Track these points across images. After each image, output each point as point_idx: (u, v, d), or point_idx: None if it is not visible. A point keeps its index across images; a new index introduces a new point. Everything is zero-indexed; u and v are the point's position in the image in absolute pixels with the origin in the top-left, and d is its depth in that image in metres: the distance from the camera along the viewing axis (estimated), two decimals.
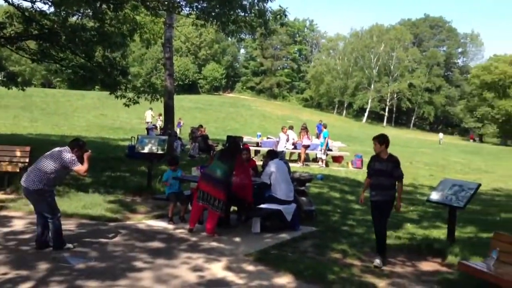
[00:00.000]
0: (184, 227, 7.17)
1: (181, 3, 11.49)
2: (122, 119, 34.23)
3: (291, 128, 18.95)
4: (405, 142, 42.22)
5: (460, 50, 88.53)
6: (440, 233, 7.67)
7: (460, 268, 5.23)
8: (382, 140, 6.07)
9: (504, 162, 29.11)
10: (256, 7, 10.53)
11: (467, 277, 5.24)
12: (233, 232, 7.14)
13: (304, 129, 18.11)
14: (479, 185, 6.98)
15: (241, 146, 8.63)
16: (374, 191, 6.11)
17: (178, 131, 23.19)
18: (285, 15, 11.18)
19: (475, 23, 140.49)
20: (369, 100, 73.51)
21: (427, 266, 6.14)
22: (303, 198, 8.41)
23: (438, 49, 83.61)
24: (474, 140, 67.57)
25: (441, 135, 52.98)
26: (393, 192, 6.06)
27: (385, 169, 5.96)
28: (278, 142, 18.16)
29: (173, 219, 7.46)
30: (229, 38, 13.35)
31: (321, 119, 30.47)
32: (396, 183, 6.03)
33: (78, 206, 7.84)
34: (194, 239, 6.66)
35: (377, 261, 5.84)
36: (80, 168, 5.59)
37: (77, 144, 5.80)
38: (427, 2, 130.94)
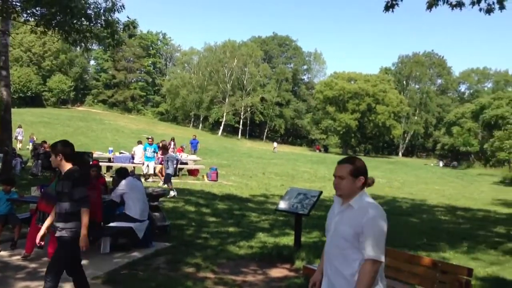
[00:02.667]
0: (20, 253, 6.47)
1: (17, 8, 10.46)
2: None
3: (139, 143, 18.58)
4: (259, 153, 44.06)
5: (305, 67, 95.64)
6: (289, 239, 8.05)
7: (305, 271, 5.52)
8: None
9: None
10: (103, 17, 10.05)
11: None
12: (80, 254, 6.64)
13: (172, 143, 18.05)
14: (321, 192, 7.50)
15: (90, 162, 8.11)
16: None
17: (30, 147, 21.48)
18: (134, 27, 10.89)
19: (318, 43, 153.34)
20: (224, 114, 75.28)
21: (277, 272, 6.37)
22: (156, 214, 8.21)
23: (286, 66, 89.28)
24: (320, 151, 73.17)
25: (275, 144, 58.18)
26: None
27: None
28: (133, 156, 17.64)
29: None
30: (76, 48, 12.53)
31: (195, 135, 30.65)
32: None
33: None
34: (33, 265, 6.04)
35: None
36: None
37: None
38: (275, 21, 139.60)
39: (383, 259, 2.64)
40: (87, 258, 6.44)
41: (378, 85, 70.30)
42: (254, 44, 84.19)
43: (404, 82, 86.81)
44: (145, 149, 17.15)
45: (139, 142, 18.59)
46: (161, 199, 8.87)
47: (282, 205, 7.57)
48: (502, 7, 7.84)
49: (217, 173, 18.47)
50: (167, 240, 7.73)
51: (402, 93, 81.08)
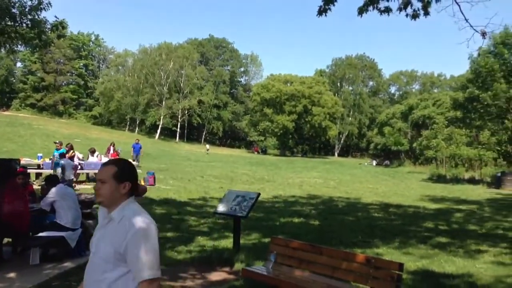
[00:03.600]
0: None
1: None
2: None
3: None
4: (197, 156, 43.72)
5: (242, 69, 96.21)
6: (228, 242, 8.03)
7: (244, 274, 5.52)
8: None
9: (283, 171, 32.43)
10: (29, 16, 9.55)
11: (251, 282, 5.55)
12: (7, 267, 6.27)
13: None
14: (259, 194, 7.54)
15: (17, 170, 7.69)
16: None
17: None
18: (63, 27, 10.44)
19: (255, 45, 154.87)
20: (161, 117, 74.09)
21: (216, 276, 6.33)
22: (90, 221, 7.91)
23: (223, 68, 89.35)
24: (258, 152, 73.80)
25: (207, 146, 58.96)
26: None
27: None
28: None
29: None
30: (0, 50, 11.78)
31: (138, 139, 29.52)
32: None
33: None
34: None
35: None
36: None
37: None
38: (211, 24, 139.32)
39: (159, 273, 2.20)
40: (14, 271, 6.10)
41: (314, 87, 71.95)
42: (191, 46, 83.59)
43: (338, 84, 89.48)
44: (53, 155, 16.40)
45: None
46: (94, 205, 8.55)
47: (221, 208, 7.54)
48: (426, 13, 8.24)
49: (154, 178, 18.14)
50: None
51: (336, 94, 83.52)
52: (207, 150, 56.10)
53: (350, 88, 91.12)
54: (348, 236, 9.36)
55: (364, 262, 4.62)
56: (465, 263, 7.37)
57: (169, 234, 8.86)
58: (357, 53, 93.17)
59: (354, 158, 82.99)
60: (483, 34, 7.94)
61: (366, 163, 60.20)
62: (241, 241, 7.90)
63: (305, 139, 78.69)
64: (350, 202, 16.13)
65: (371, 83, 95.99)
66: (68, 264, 6.54)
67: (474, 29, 7.80)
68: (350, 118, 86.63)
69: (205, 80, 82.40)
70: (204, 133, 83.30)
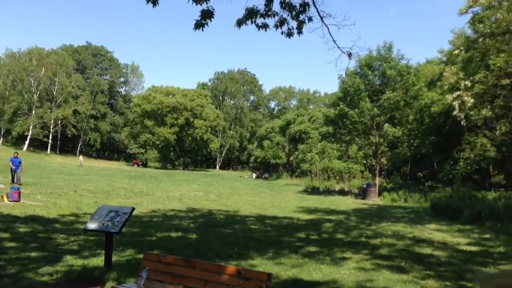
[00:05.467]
0: None
1: None
2: None
3: None
4: (71, 169, 41.20)
5: (122, 79, 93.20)
6: (100, 260, 7.66)
7: None
8: None
9: (163, 184, 31.88)
10: None
11: None
12: None
13: None
14: (133, 208, 7.32)
15: None
16: None
17: None
18: None
19: (135, 56, 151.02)
20: (30, 127, 68.66)
21: None
22: None
23: (101, 77, 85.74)
24: (139, 165, 71.79)
25: (81, 158, 56.97)
26: None
27: None
28: None
29: None
30: None
31: (16, 152, 26.38)
32: None
33: None
34: None
35: None
36: None
37: None
38: (89, 31, 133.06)
39: None
40: None
41: (196, 100, 72.16)
42: (65, 52, 79.03)
43: (220, 97, 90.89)
44: None
45: None
46: None
47: (92, 224, 7.17)
48: (300, 32, 8.68)
49: (19, 193, 16.66)
50: None
51: (218, 108, 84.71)
52: (81, 162, 53.18)
53: (232, 102, 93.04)
54: (225, 248, 9.48)
55: (235, 274, 4.71)
56: (331, 270, 7.87)
57: (33, 254, 8.20)
58: (239, 68, 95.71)
59: (235, 171, 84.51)
60: (349, 55, 8.58)
61: (246, 176, 61.66)
62: (114, 258, 7.60)
63: (187, 152, 78.43)
64: (229, 214, 16.35)
65: (252, 97, 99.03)
66: None
67: (341, 50, 8.40)
68: (231, 132, 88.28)
69: (82, 89, 78.29)
70: (79, 145, 78.85)
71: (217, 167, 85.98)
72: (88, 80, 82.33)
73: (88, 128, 78.34)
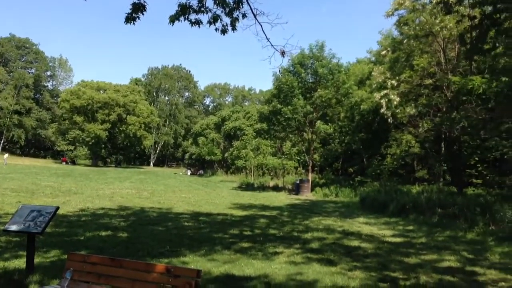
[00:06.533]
0: None
1: None
2: None
3: None
4: None
5: (49, 73, 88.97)
6: (21, 262, 7.28)
7: None
8: None
9: (93, 183, 30.78)
10: None
11: None
12: None
13: None
14: (57, 208, 7.01)
15: None
16: None
17: None
18: None
19: (64, 49, 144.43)
20: None
21: None
22: None
23: (26, 71, 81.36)
24: (67, 163, 68.91)
25: (6, 155, 53.31)
26: None
27: None
28: None
29: None
30: None
31: None
32: None
33: None
34: None
35: None
36: None
37: None
38: (12, 21, 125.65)
39: None
40: None
41: (129, 96, 70.34)
42: None
43: (154, 93, 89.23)
44: None
45: None
46: None
47: (12, 225, 6.78)
48: (234, 29, 8.69)
49: None
50: None
51: (152, 104, 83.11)
52: (5, 160, 50.02)
53: (166, 98, 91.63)
54: (156, 246, 9.31)
55: (164, 272, 4.63)
56: (262, 265, 7.96)
57: None
58: (173, 64, 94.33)
59: (170, 168, 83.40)
60: (282, 53, 8.69)
61: (181, 173, 61.00)
62: (38, 260, 7.27)
63: (119, 149, 76.33)
64: (162, 212, 16.08)
65: (187, 94, 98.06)
66: None
67: (275, 48, 8.50)
68: (166, 128, 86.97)
69: (4, 82, 73.91)
70: (2, 142, 74.45)
71: (151, 164, 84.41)
72: (11, 74, 77.80)
73: (12, 124, 74.09)
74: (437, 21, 20.71)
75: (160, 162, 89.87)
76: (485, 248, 10.47)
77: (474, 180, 24.36)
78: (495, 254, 9.67)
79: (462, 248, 10.40)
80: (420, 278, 7.38)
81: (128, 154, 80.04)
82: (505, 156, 21.78)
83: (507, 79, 14.82)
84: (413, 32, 22.29)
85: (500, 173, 23.80)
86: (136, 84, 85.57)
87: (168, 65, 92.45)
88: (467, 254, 9.73)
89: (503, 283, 7.22)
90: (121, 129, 69.33)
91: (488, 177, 24.01)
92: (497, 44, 13.76)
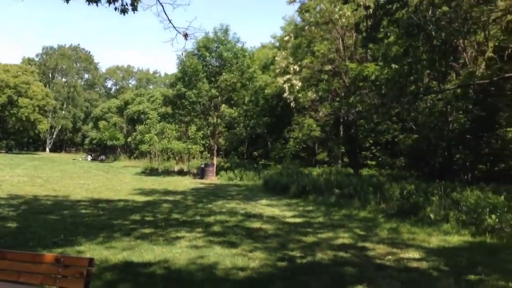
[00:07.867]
0: None
1: None
2: None
3: None
4: None
5: None
6: None
7: None
8: None
9: None
10: None
11: None
12: None
13: None
14: None
15: None
16: None
17: None
18: None
19: None
20: None
21: None
22: None
23: None
24: None
25: None
26: None
27: None
28: None
29: None
30: None
31: None
32: None
33: None
34: None
35: None
36: None
37: None
38: None
39: None
40: None
41: (21, 77, 65.15)
42: None
43: (50, 74, 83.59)
44: None
45: None
46: None
47: None
48: (134, 9, 8.36)
49: None
50: None
51: (48, 86, 77.87)
52: None
53: (64, 79, 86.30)
54: (49, 236, 8.77)
55: (53, 262, 4.36)
56: (163, 250, 7.83)
57: None
58: (71, 44, 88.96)
59: (68, 153, 79.12)
60: (185, 36, 8.50)
61: (80, 159, 58.12)
62: None
63: (11, 134, 70.73)
64: (57, 200, 15.20)
65: (86, 75, 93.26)
66: None
67: (177, 30, 8.28)
68: (63, 112, 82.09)
69: None
70: None
71: (47, 150, 79.38)
72: None
73: None
74: (336, 9, 21.59)
75: (58, 147, 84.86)
76: (376, 225, 11.22)
77: (369, 162, 25.99)
78: (384, 230, 10.39)
79: (355, 226, 11.04)
80: (316, 256, 7.71)
81: (20, 139, 74.39)
82: (396, 139, 23.45)
83: (397, 66, 15.87)
84: (314, 19, 23.04)
85: (392, 154, 25.61)
86: (29, 64, 79.48)
87: (65, 45, 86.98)
88: (360, 231, 10.35)
89: (389, 257, 7.77)
90: (12, 112, 64.06)
91: (380, 159, 25.73)
92: (388, 34, 14.64)
